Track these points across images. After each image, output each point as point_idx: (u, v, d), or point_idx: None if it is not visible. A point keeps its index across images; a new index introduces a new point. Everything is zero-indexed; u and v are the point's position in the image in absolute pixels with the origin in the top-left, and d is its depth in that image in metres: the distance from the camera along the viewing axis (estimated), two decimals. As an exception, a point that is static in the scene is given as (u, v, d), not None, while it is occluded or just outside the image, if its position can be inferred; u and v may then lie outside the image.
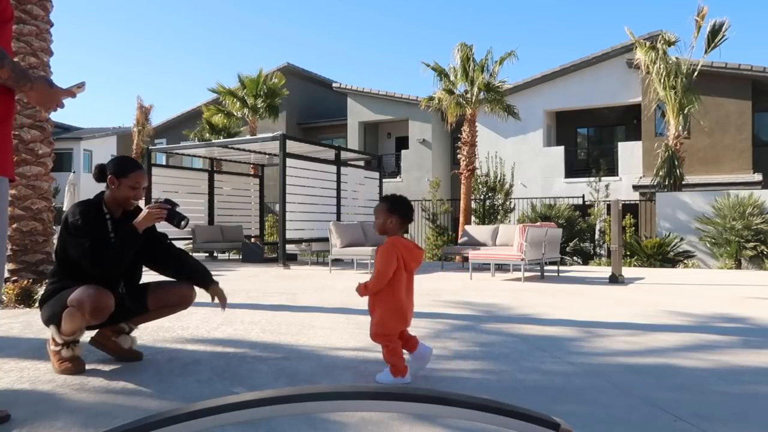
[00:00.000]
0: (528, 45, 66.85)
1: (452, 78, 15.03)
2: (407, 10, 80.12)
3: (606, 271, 9.50)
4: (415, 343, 2.91)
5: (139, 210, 3.12)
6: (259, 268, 10.55)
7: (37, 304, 5.04)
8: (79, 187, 18.45)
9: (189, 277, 3.18)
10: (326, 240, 10.86)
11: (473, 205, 16.19)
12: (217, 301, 3.11)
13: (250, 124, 19.63)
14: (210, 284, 3.15)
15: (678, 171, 14.29)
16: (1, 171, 2.27)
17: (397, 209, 2.90)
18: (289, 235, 11.29)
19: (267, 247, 15.90)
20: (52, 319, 2.88)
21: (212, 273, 3.22)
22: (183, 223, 3.02)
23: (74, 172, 21.14)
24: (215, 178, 14.57)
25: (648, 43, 15.07)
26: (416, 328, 4.29)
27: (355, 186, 13.35)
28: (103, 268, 2.84)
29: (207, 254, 14.76)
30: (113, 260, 2.87)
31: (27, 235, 5.84)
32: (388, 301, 2.79)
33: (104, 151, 31.89)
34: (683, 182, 14.66)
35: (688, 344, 3.79)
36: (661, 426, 2.22)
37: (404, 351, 2.88)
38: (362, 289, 2.85)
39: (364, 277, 8.98)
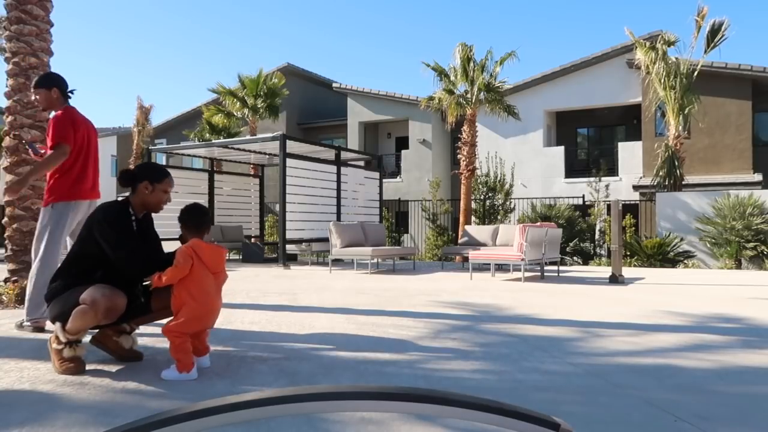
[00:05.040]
0: (528, 45, 66.83)
1: (452, 78, 15.04)
2: (407, 10, 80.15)
3: (606, 271, 9.50)
4: (203, 351, 3.03)
5: (149, 216, 3.31)
6: (259, 268, 10.55)
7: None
8: (79, 187, 18.35)
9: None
10: (326, 240, 10.86)
11: (473, 205, 16.20)
12: None
13: (250, 124, 19.63)
14: None
15: (678, 171, 14.29)
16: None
17: (183, 220, 3.03)
18: (289, 235, 11.29)
19: (267, 247, 15.90)
20: (59, 317, 2.90)
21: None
22: None
23: (74, 172, 21.09)
24: (215, 178, 14.57)
25: (648, 44, 15.08)
26: (416, 328, 4.30)
27: (355, 186, 13.35)
28: (145, 268, 2.98)
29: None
30: (151, 267, 2.99)
31: (27, 235, 5.83)
32: (200, 303, 2.86)
33: (104, 151, 31.81)
34: (683, 182, 14.66)
35: (688, 344, 3.79)
36: (661, 426, 2.22)
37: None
38: (156, 280, 2.87)
39: (365, 277, 8.99)
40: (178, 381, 2.80)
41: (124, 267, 2.96)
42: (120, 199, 3.19)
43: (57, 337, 2.92)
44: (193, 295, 2.84)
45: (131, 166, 7.81)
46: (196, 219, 3.04)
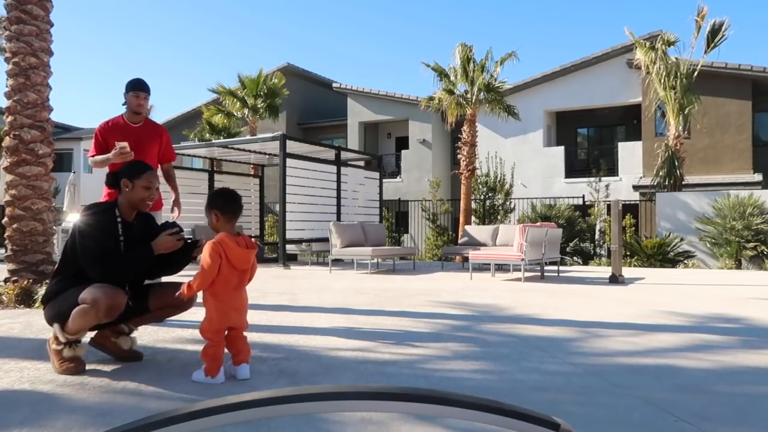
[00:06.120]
0: (528, 45, 66.86)
1: (452, 78, 15.04)
2: (407, 10, 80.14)
3: (606, 271, 9.50)
4: (241, 360, 2.88)
5: (150, 216, 3.26)
6: (259, 268, 10.52)
7: (37, 305, 5.05)
8: (79, 187, 18.41)
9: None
10: (326, 240, 10.86)
11: (473, 205, 16.20)
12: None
13: (250, 124, 19.62)
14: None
15: (678, 171, 14.29)
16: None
17: (214, 204, 2.83)
18: (289, 235, 11.29)
19: (267, 247, 15.90)
20: (57, 318, 2.88)
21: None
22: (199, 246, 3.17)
23: (74, 172, 21.10)
24: (215, 178, 14.55)
25: (648, 44, 15.07)
26: (416, 328, 4.30)
27: (355, 186, 13.35)
28: (109, 276, 2.89)
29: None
30: (121, 271, 2.94)
31: (27, 235, 5.84)
32: (219, 299, 2.79)
33: (104, 151, 31.83)
34: (683, 182, 14.65)
35: (688, 344, 3.79)
36: (661, 426, 2.22)
37: (229, 353, 2.89)
38: (187, 290, 2.80)
39: (365, 277, 8.99)
40: (179, 381, 2.80)
41: (87, 271, 2.90)
42: (109, 201, 3.17)
43: (56, 338, 2.91)
44: (215, 292, 2.78)
45: None
46: (233, 205, 2.85)
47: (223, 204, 2.83)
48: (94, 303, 2.75)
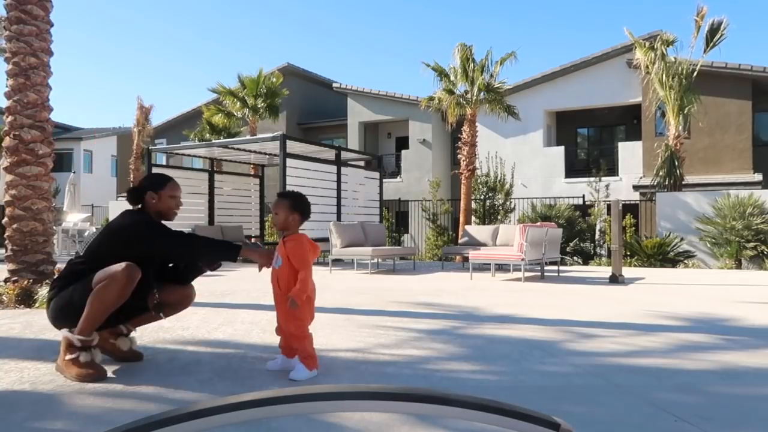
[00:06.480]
0: (528, 45, 66.91)
1: (452, 78, 15.03)
2: (407, 10, 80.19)
3: (606, 271, 9.50)
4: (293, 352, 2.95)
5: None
6: (259, 268, 10.52)
7: (38, 305, 5.05)
8: (80, 187, 18.45)
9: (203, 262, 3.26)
10: (326, 240, 10.86)
11: (473, 205, 16.19)
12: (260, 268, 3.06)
13: (250, 124, 19.62)
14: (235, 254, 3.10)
15: (678, 171, 14.29)
16: None
17: (299, 207, 2.98)
18: (289, 235, 11.27)
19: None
20: (65, 310, 2.82)
21: (215, 273, 3.22)
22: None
23: (74, 172, 21.14)
24: (215, 178, 14.56)
25: (647, 44, 15.07)
26: (416, 328, 4.30)
27: (356, 186, 13.35)
28: (182, 243, 3.04)
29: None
30: (193, 244, 3.10)
31: (27, 236, 5.84)
32: (310, 297, 2.88)
33: (104, 152, 31.89)
34: (683, 182, 14.65)
35: (688, 344, 3.79)
36: (661, 426, 2.22)
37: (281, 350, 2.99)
38: (298, 299, 2.79)
39: (365, 277, 8.98)
40: (179, 381, 2.80)
41: (188, 251, 3.06)
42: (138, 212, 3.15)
43: (68, 346, 2.80)
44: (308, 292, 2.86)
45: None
46: (306, 208, 3.02)
47: (306, 208, 3.01)
48: (113, 277, 2.72)
